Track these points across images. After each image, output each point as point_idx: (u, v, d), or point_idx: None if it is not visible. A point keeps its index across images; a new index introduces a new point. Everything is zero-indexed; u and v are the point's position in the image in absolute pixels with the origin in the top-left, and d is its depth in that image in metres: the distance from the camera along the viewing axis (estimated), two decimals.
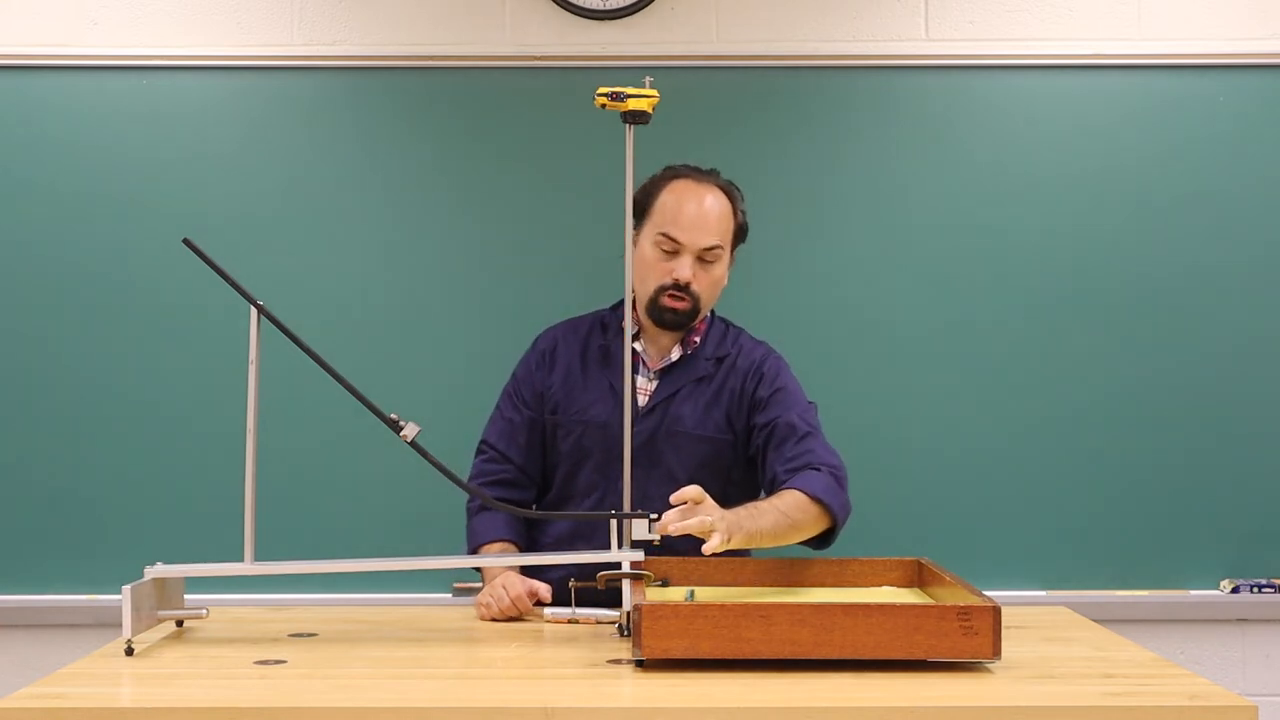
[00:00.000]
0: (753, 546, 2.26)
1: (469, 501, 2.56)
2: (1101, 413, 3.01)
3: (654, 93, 2.18)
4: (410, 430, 2.11)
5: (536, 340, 2.62)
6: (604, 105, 2.18)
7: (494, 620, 2.32)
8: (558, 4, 3.01)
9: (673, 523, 2.11)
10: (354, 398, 2.12)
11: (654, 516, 2.13)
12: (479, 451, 2.58)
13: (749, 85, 3.02)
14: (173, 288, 2.97)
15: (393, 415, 2.11)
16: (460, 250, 3.02)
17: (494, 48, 3.02)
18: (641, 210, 2.49)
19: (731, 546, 2.17)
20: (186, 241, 2.15)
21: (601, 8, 3.01)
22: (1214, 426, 3.01)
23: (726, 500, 2.26)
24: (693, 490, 2.16)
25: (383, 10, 3.03)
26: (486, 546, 2.49)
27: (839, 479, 2.40)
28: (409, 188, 3.02)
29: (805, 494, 2.33)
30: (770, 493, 2.40)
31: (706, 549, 2.11)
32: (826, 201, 3.03)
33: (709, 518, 2.12)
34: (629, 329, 2.27)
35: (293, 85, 3.01)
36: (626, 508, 2.18)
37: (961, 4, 3.04)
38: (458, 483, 2.22)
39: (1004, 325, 3.01)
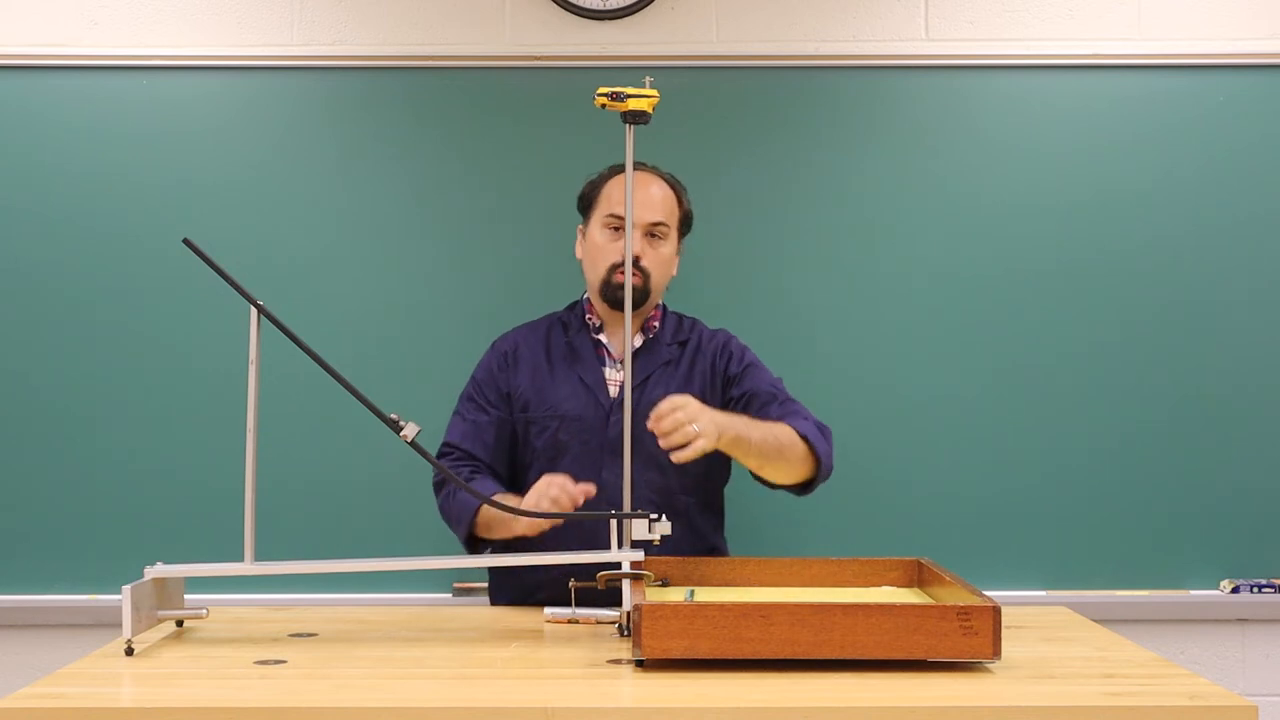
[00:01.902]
0: (738, 452, 2.33)
1: (441, 487, 2.52)
2: (1101, 412, 3.01)
3: (654, 93, 2.18)
4: (410, 430, 2.11)
5: (494, 344, 2.65)
6: (604, 105, 2.18)
7: (560, 516, 2.28)
8: (558, 4, 3.01)
9: (662, 436, 2.19)
10: (354, 398, 2.12)
11: (654, 516, 2.14)
12: (441, 455, 2.56)
13: (749, 85, 3.02)
14: (173, 288, 2.97)
15: (393, 415, 2.11)
16: (460, 250, 3.02)
17: (494, 48, 3.02)
18: (588, 203, 2.61)
19: (720, 446, 2.25)
20: (186, 241, 2.15)
21: (601, 8, 3.01)
22: (1214, 426, 3.01)
23: (709, 481, 2.40)
24: (674, 399, 2.23)
25: (382, 10, 3.03)
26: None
27: (825, 433, 2.48)
28: (409, 187, 3.02)
29: (796, 432, 2.41)
30: None
31: (692, 451, 2.17)
32: (826, 201, 3.02)
33: (694, 425, 2.18)
34: (628, 328, 2.25)
35: (293, 85, 3.01)
36: (626, 506, 2.18)
37: (961, 4, 3.04)
38: (457, 482, 2.23)
39: (1004, 324, 3.01)
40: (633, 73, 2.31)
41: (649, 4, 3.01)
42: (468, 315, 3.00)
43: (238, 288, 2.13)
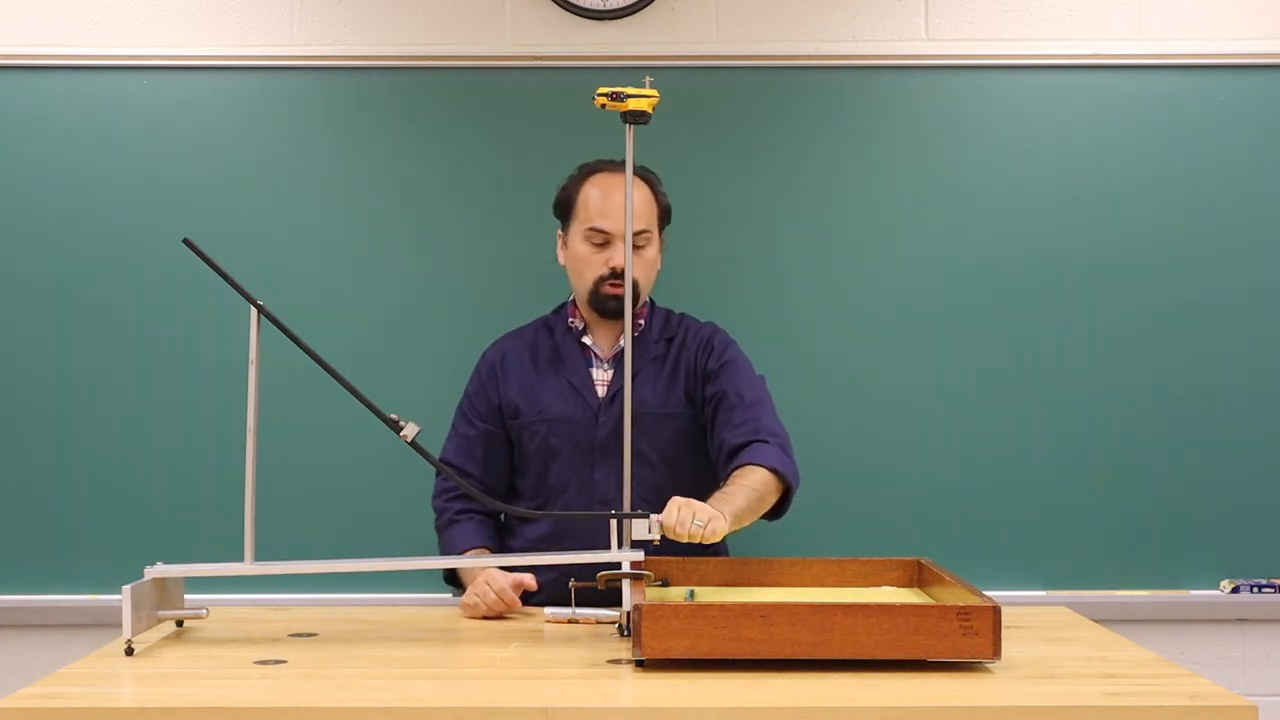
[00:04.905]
0: (739, 525, 2.30)
1: (435, 521, 2.62)
2: (1102, 412, 3.00)
3: (654, 93, 2.18)
4: (410, 430, 2.11)
5: (484, 354, 2.67)
6: (604, 105, 2.18)
7: (483, 619, 2.34)
8: (558, 4, 3.01)
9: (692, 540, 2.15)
10: (354, 398, 2.12)
11: (655, 517, 2.14)
12: (437, 474, 2.59)
13: (749, 85, 3.02)
14: (173, 288, 2.97)
15: (393, 415, 2.11)
16: (460, 250, 3.02)
17: (494, 48, 3.02)
18: (565, 211, 2.60)
19: (731, 527, 2.23)
20: (186, 241, 2.15)
21: (601, 8, 3.01)
22: (1214, 426, 3.00)
23: (702, 476, 2.40)
24: (667, 523, 2.16)
25: (382, 10, 3.03)
26: (464, 554, 2.53)
27: (785, 449, 2.45)
28: (409, 188, 3.02)
29: (764, 468, 2.38)
30: (719, 458, 2.47)
31: (715, 536, 2.15)
32: (826, 200, 3.02)
33: (697, 521, 2.14)
34: (629, 325, 2.24)
35: (293, 85, 3.01)
36: (626, 506, 2.18)
37: (961, 4, 3.04)
38: (458, 483, 2.23)
39: (1003, 324, 3.01)
40: (633, 73, 2.32)
41: (649, 4, 3.01)
42: (467, 315, 2.99)
43: (238, 288, 2.14)
